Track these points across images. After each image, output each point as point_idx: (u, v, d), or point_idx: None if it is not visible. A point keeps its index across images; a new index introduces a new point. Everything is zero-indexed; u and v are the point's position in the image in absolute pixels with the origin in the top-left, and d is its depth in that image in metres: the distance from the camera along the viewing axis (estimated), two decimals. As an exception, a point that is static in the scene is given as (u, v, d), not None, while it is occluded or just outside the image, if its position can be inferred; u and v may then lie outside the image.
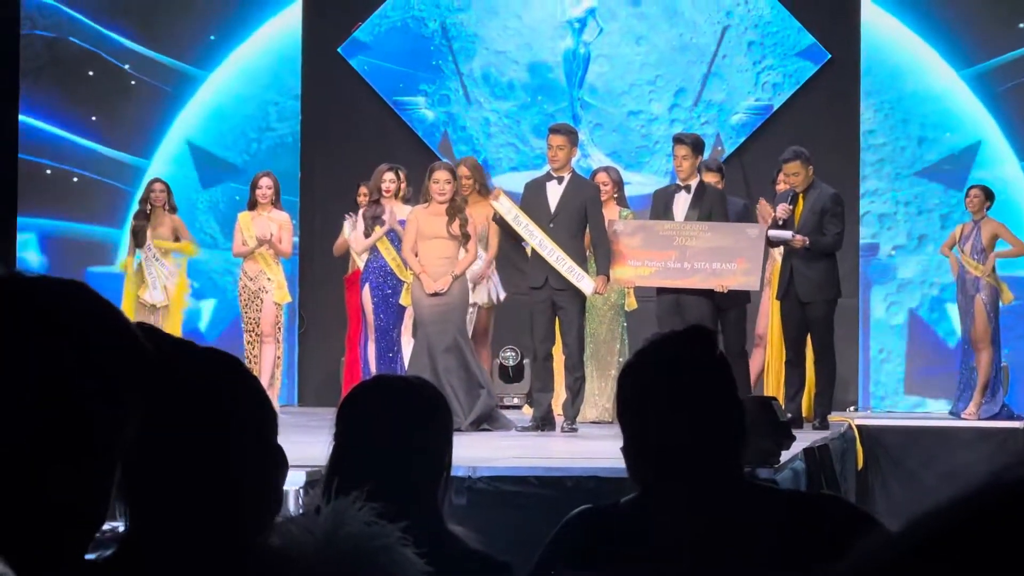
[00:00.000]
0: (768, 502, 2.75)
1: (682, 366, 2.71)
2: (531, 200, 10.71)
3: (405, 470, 2.82)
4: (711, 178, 11.37)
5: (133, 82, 14.26)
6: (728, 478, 2.71)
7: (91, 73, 14.18)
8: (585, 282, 10.44)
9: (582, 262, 10.53)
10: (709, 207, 10.85)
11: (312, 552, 1.76)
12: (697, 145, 10.98)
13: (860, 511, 2.85)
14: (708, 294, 10.74)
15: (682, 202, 10.90)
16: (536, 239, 10.55)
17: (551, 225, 10.53)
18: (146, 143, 14.34)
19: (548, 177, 10.69)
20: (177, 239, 12.46)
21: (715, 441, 2.69)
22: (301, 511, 2.48)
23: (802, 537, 2.61)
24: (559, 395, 11.00)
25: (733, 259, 10.68)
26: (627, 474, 2.73)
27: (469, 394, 10.48)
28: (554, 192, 10.60)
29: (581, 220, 10.55)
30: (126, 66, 14.26)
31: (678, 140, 11.05)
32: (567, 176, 10.62)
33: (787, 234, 10.99)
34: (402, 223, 11.27)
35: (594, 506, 2.85)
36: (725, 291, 10.68)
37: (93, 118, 14.18)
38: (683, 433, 2.66)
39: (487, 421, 10.61)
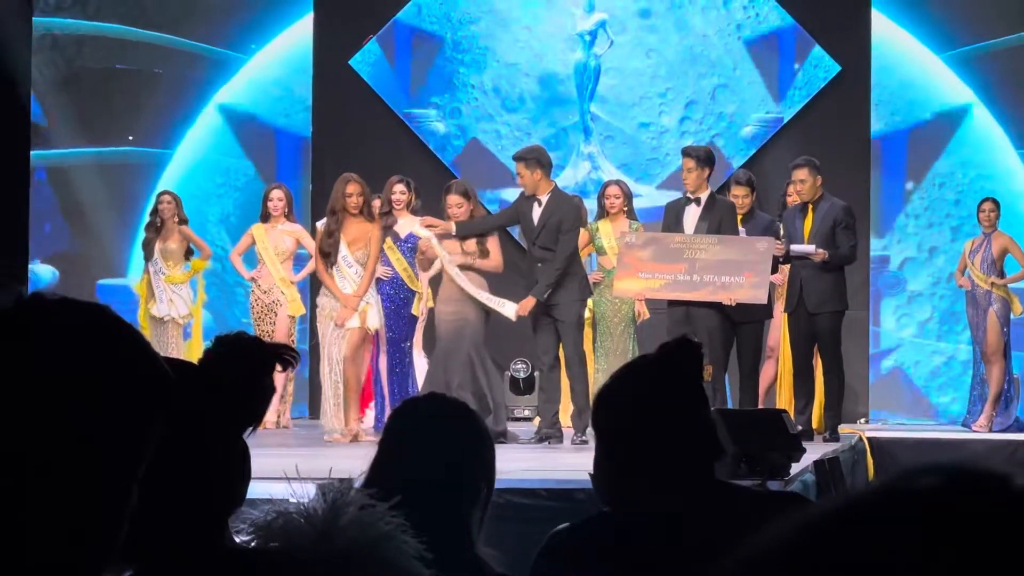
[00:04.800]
0: (736, 501, 2.85)
1: (656, 385, 2.85)
2: (522, 219, 10.83)
3: (444, 491, 2.80)
4: (739, 191, 11.37)
5: (143, 95, 14.27)
6: (702, 483, 2.82)
7: (99, 85, 14.21)
8: (507, 308, 10.59)
9: (570, 278, 10.56)
10: (719, 219, 10.84)
11: (311, 545, 1.76)
12: (704, 158, 10.97)
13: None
14: (718, 306, 10.73)
15: (692, 214, 10.90)
16: (454, 271, 10.72)
17: (535, 244, 10.60)
18: (157, 156, 14.35)
19: (533, 197, 10.75)
20: (190, 251, 12.49)
21: (688, 451, 2.82)
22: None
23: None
24: (568, 407, 11.01)
25: (741, 272, 10.67)
26: (596, 492, 2.87)
27: (481, 411, 10.44)
28: (536, 211, 10.69)
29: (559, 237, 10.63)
30: (117, 65, 14.28)
31: (685, 153, 11.08)
32: (545, 197, 10.68)
33: (810, 248, 11.05)
34: (410, 237, 11.28)
35: (572, 524, 2.90)
36: (733, 304, 10.67)
37: (101, 128, 14.20)
38: (660, 447, 2.79)
39: (501, 436, 10.58)
